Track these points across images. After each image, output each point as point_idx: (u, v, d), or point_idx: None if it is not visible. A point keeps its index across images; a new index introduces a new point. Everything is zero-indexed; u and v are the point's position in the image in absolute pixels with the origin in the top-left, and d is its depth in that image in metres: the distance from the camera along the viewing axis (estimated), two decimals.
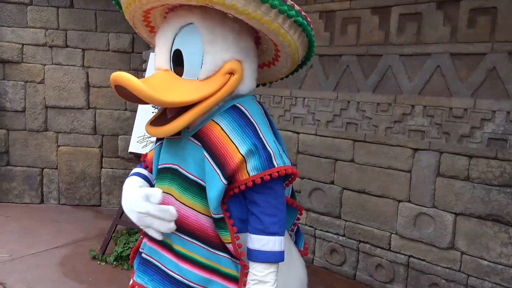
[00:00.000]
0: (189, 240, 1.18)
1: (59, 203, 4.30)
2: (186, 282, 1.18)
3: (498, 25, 2.17)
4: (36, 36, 4.01)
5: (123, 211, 3.14)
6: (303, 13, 1.11)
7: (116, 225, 3.05)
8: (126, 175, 3.75)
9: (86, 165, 4.26)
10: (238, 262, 1.17)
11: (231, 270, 1.17)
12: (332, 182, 2.97)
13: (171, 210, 1.12)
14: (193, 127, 1.19)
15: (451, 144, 2.39)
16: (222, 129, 1.15)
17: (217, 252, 1.17)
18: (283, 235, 1.16)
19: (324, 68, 2.94)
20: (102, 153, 4.28)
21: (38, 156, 4.20)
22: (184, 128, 1.15)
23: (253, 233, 1.14)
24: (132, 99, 1.08)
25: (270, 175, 1.11)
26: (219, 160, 1.12)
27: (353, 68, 2.78)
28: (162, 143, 1.29)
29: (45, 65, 4.07)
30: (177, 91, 1.09)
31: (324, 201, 3.02)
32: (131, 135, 4.26)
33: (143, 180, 1.31)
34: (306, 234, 3.14)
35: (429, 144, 2.47)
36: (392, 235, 2.70)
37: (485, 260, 2.33)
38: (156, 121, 1.18)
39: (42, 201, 4.29)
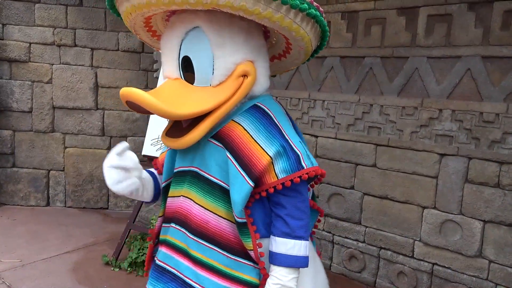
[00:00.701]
0: (208, 246, 1.12)
1: (65, 206, 4.20)
2: None
3: None
4: (44, 34, 3.90)
5: (136, 215, 3.07)
6: (315, 3, 1.05)
7: (130, 229, 2.96)
8: None
9: (94, 167, 4.16)
10: (260, 270, 1.12)
11: (253, 278, 1.12)
12: (352, 187, 2.90)
13: (122, 144, 1.12)
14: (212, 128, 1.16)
15: (481, 150, 2.32)
16: (245, 129, 1.10)
17: (238, 259, 1.12)
18: (308, 240, 1.12)
19: (345, 70, 2.87)
20: None
21: (44, 157, 4.10)
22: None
23: (279, 236, 1.09)
24: (144, 112, 1.04)
25: (300, 177, 1.07)
26: (244, 162, 1.07)
27: (376, 70, 2.70)
28: None
29: (52, 64, 3.97)
30: (191, 101, 1.05)
31: (344, 206, 2.95)
32: (140, 136, 4.21)
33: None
34: (324, 240, 3.07)
35: (457, 149, 2.41)
36: (416, 242, 2.63)
37: None
38: (172, 132, 1.12)
39: (48, 204, 4.18)
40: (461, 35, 2.35)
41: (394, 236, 2.72)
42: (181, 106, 1.01)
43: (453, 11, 2.36)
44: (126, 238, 2.94)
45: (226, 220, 1.11)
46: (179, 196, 1.19)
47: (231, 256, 1.12)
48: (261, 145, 1.08)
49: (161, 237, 1.26)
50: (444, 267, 2.51)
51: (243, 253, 1.11)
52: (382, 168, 2.74)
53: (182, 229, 1.17)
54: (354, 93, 2.83)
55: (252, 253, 1.09)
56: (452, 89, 2.41)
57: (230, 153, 1.08)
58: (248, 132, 1.09)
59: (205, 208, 1.12)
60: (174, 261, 1.19)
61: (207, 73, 1.07)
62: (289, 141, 1.10)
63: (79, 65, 4.00)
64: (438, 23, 2.43)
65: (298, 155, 1.09)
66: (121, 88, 4.05)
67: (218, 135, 1.12)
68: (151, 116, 3.20)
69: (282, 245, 1.08)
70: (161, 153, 1.36)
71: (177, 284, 1.17)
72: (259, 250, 1.09)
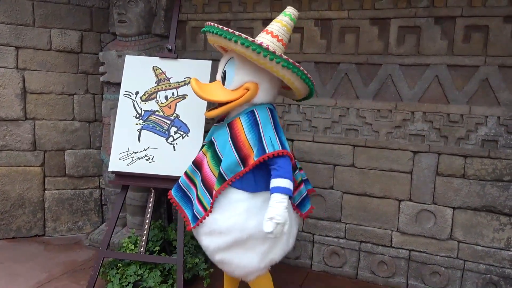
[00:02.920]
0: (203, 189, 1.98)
1: None
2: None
3: (490, 41, 2.49)
4: None
5: (109, 241, 2.69)
6: (291, 60, 1.78)
7: (103, 258, 2.60)
8: (76, 197, 4.20)
9: (25, 188, 3.52)
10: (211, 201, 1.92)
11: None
12: (331, 187, 3.03)
13: None
14: (229, 118, 1.98)
15: (449, 146, 2.66)
16: (242, 124, 1.87)
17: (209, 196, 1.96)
18: (288, 179, 1.79)
19: (320, 75, 2.97)
20: (44, 173, 3.58)
21: None
22: (225, 117, 2.04)
23: (275, 178, 1.78)
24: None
25: (264, 158, 1.79)
26: (237, 145, 1.86)
27: (352, 76, 2.87)
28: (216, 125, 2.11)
29: None
30: (217, 93, 1.91)
31: (324, 206, 3.07)
32: (81, 149, 3.71)
33: None
34: (304, 241, 3.15)
35: (428, 147, 2.71)
36: (394, 232, 2.89)
37: (480, 245, 2.67)
38: (211, 109, 1.99)
39: None
40: (429, 46, 2.64)
41: (374, 229, 2.94)
42: (211, 94, 1.90)
43: (421, 24, 2.65)
44: (100, 267, 2.57)
45: (214, 176, 1.93)
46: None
47: (208, 195, 1.96)
48: (247, 137, 1.84)
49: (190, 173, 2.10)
50: (420, 251, 2.82)
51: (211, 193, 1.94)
52: (360, 167, 2.93)
53: (199, 173, 2.04)
54: (330, 97, 2.95)
55: (214, 192, 1.89)
56: (422, 93, 2.70)
57: (230, 137, 1.89)
58: (243, 127, 1.86)
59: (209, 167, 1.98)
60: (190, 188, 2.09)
61: (230, 82, 1.90)
62: (262, 135, 1.81)
63: (1, 67, 3.31)
64: (408, 34, 2.69)
65: (263, 146, 1.79)
66: (55, 94, 3.54)
67: (229, 124, 1.93)
68: (116, 127, 2.83)
69: (277, 182, 1.78)
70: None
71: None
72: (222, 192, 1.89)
